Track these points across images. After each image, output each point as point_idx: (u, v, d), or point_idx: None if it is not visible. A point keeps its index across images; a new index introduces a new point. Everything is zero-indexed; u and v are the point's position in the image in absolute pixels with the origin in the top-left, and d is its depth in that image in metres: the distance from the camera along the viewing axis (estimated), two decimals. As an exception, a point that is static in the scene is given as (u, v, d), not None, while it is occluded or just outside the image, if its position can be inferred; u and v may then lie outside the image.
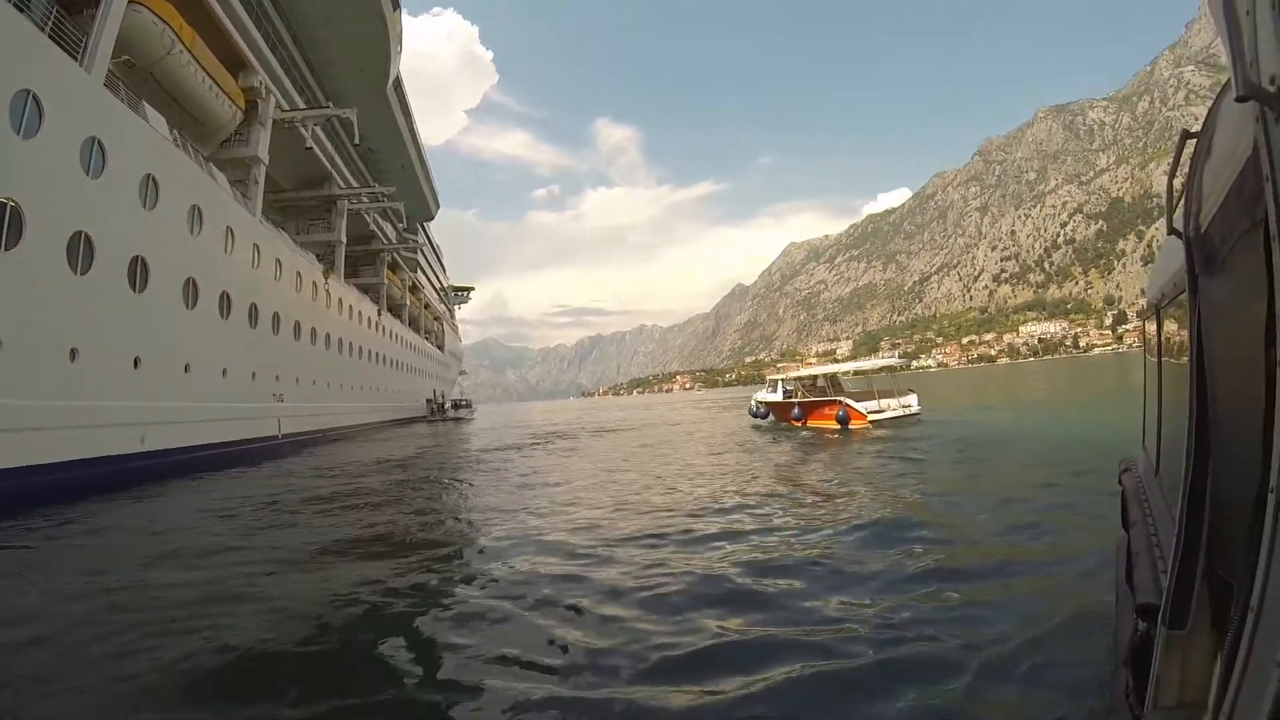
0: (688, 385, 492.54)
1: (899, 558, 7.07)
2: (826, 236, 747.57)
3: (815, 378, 28.56)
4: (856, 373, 28.62)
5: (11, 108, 14.50)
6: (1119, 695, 2.66)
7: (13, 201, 14.51)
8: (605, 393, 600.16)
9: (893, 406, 24.69)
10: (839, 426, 23.87)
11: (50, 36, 15.98)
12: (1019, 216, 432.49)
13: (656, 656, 4.76)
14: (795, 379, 29.73)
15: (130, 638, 5.60)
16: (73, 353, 16.20)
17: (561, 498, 12.63)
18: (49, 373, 15.52)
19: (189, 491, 16.10)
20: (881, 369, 28.29)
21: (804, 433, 24.45)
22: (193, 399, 21.48)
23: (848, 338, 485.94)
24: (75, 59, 16.84)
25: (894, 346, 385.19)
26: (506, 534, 9.45)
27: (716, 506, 10.53)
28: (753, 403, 31.67)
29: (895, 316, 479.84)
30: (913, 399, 25.37)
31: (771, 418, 29.48)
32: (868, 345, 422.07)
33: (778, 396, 29.44)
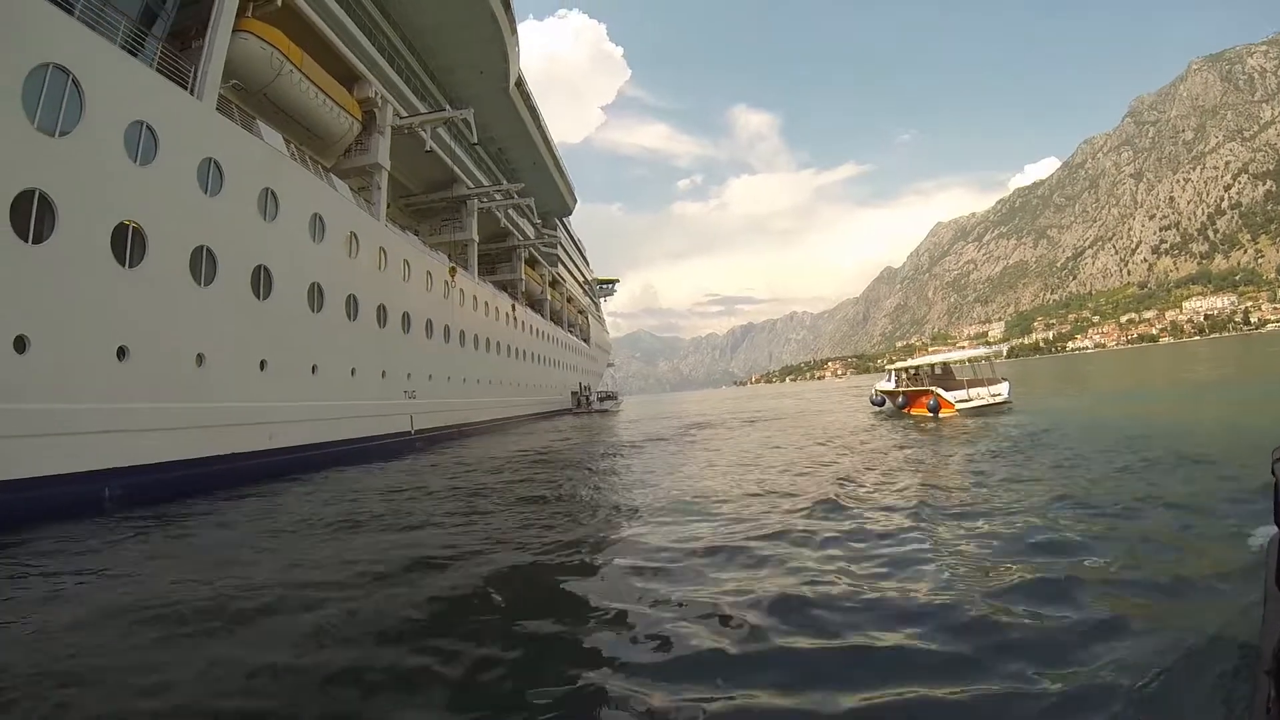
0: (839, 372, 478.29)
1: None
2: (973, 214, 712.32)
3: (932, 366, 30.10)
4: (956, 362, 30.31)
5: (127, 138, 15.74)
6: (1259, 706, 2.35)
7: (135, 223, 15.76)
8: (757, 381, 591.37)
9: (982, 396, 25.98)
10: (932, 414, 25.19)
11: (159, 70, 17.24)
12: (1177, 181, 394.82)
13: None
14: (906, 369, 31.92)
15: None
16: (199, 358, 17.44)
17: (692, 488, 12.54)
18: (175, 377, 16.75)
19: (322, 484, 17.06)
20: (980, 357, 30.10)
21: (907, 421, 25.53)
22: (321, 398, 22.66)
23: (999, 319, 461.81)
24: (186, 88, 18.09)
25: (1048, 327, 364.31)
26: (636, 531, 9.22)
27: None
28: (873, 391, 33.70)
29: (1048, 295, 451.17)
30: (1003, 388, 26.35)
31: (888, 405, 31.04)
32: (1020, 327, 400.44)
33: (891, 386, 31.51)
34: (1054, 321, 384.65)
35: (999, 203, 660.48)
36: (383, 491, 15.07)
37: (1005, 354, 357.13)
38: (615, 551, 8.11)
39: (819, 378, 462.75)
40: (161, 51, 17.78)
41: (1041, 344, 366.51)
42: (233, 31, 20.52)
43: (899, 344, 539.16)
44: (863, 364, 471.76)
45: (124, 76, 15.96)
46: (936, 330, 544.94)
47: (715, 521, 9.27)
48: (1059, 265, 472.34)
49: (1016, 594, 5.46)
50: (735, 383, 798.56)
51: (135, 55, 16.72)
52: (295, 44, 24.12)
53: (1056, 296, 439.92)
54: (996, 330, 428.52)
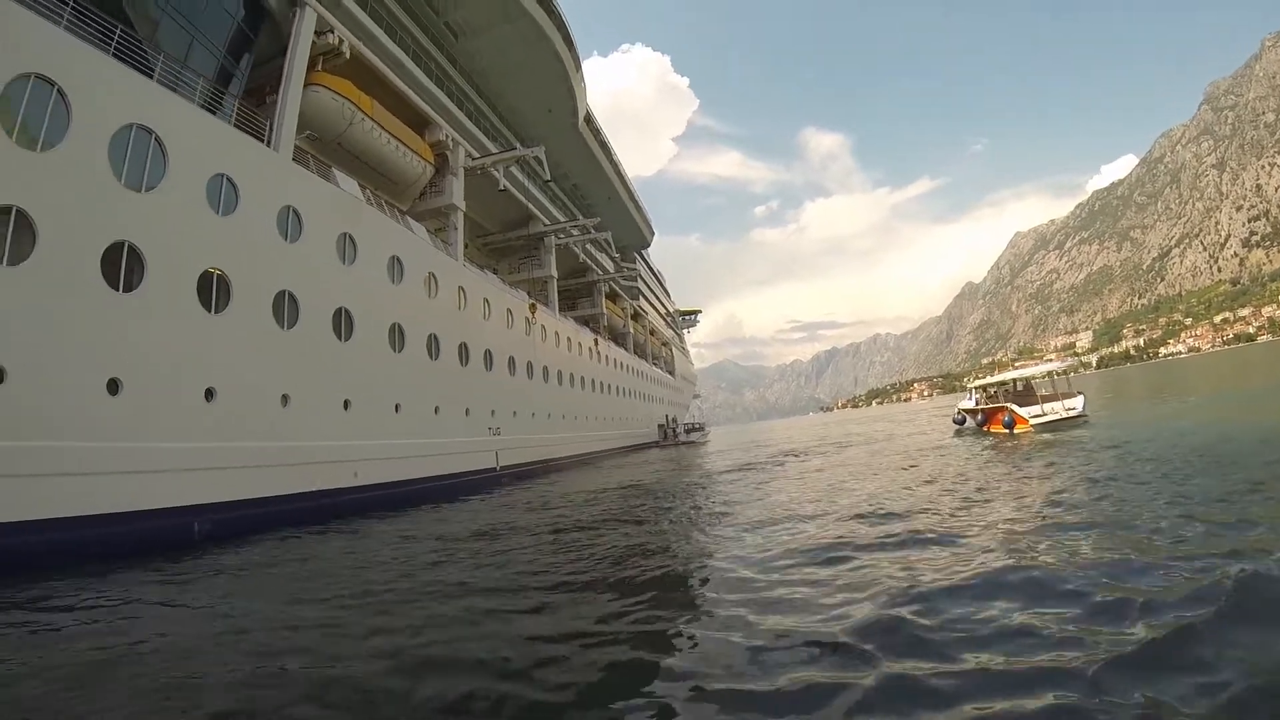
0: (926, 393, 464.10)
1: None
2: (1053, 221, 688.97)
3: (1014, 382, 30.32)
4: (1033, 378, 30.08)
5: (209, 191, 16.44)
6: None
7: (219, 270, 16.36)
8: (844, 406, 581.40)
9: (1056, 410, 25.76)
10: (1007, 430, 25.66)
11: (237, 126, 17.99)
12: (1263, 167, 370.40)
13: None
14: (984, 387, 32.26)
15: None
16: (284, 398, 17.85)
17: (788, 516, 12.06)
18: (261, 417, 17.17)
19: (407, 520, 17.26)
20: (1052, 372, 29.61)
21: (988, 438, 25.41)
22: (404, 436, 22.89)
23: (1086, 328, 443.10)
24: (263, 141, 18.87)
25: (1137, 334, 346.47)
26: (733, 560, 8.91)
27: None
28: (956, 410, 33.63)
29: (1135, 300, 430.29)
30: (1078, 401, 26.09)
31: (969, 423, 31.32)
32: (1109, 335, 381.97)
33: (972, 404, 31.54)
34: (1144, 327, 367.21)
35: (1078, 207, 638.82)
36: (471, 524, 15.24)
37: (1095, 364, 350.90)
38: (718, 582, 7.83)
39: (905, 399, 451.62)
40: (239, 108, 18.58)
41: (1132, 351, 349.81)
42: (305, 86, 21.36)
43: (984, 360, 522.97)
44: (948, 383, 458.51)
45: (204, 133, 16.70)
46: (1022, 344, 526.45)
47: (821, 547, 8.93)
48: (1145, 267, 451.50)
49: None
50: (821, 409, 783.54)
51: (214, 113, 17.50)
52: (365, 93, 24.90)
53: (1145, 300, 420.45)
54: (1084, 340, 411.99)
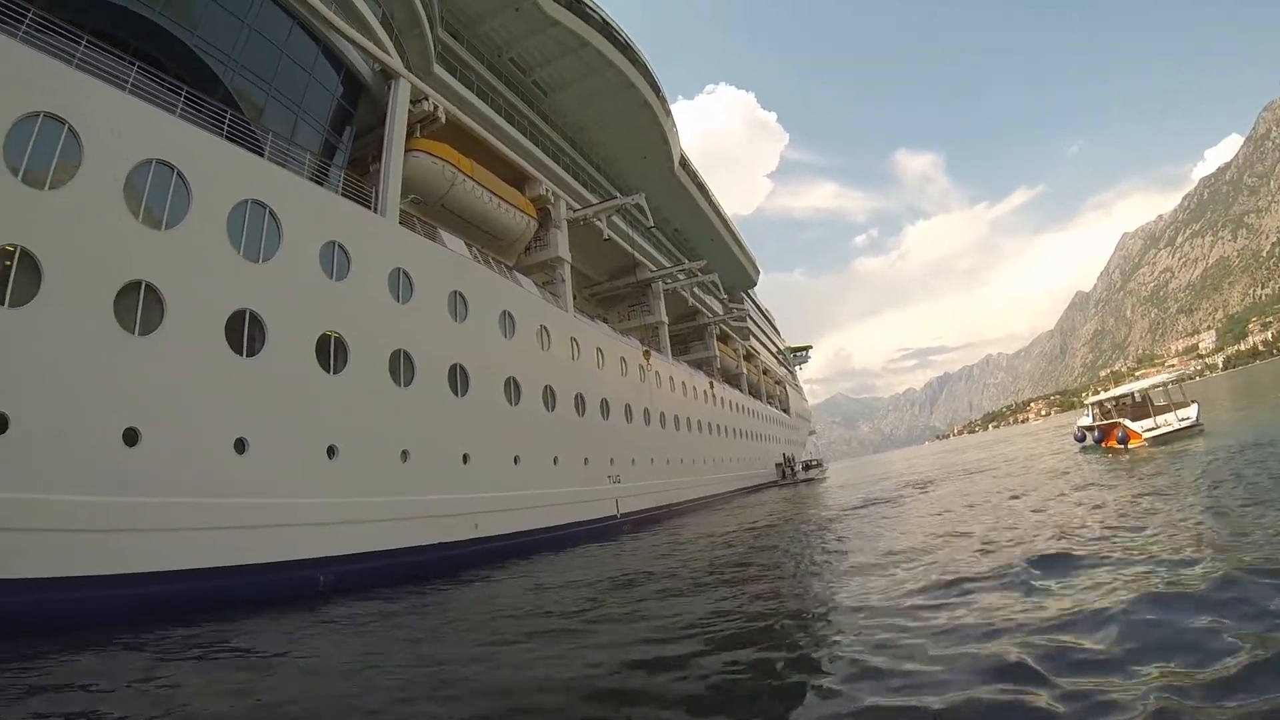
0: (1043, 412, 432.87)
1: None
2: (1160, 217, 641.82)
3: (1132, 395, 29.28)
4: (1145, 390, 29.05)
5: (321, 257, 16.88)
6: None
7: (336, 333, 16.64)
8: (959, 432, 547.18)
9: (1170, 422, 25.24)
10: (1121, 446, 25.06)
11: (344, 194, 18.62)
12: None
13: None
14: (1100, 403, 31.44)
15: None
16: (403, 454, 17.92)
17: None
18: (381, 472, 17.25)
19: (544, 567, 17.50)
20: (1168, 383, 29.22)
21: (1107, 455, 24.73)
22: (524, 487, 22.69)
23: (1208, 327, 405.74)
24: (369, 207, 19.42)
25: (1264, 327, 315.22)
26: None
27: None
28: (1075, 428, 33.39)
29: (1258, 291, 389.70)
30: (1191, 411, 25.70)
31: (1088, 439, 30.68)
32: (1233, 332, 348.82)
33: (1090, 421, 30.95)
34: (1270, 319, 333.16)
35: (1185, 199, 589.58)
36: (602, 572, 15.39)
37: (1221, 365, 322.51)
38: (878, 610, 7.66)
39: (1022, 420, 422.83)
40: (344, 178, 19.20)
41: (1260, 347, 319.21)
42: (405, 152, 21.92)
43: (1101, 373, 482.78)
44: (1066, 400, 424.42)
45: (314, 204, 17.33)
46: (1140, 351, 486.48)
47: (968, 578, 8.55)
48: (1265, 254, 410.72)
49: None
50: (937, 436, 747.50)
51: (321, 184, 18.08)
52: (464, 155, 25.33)
53: (1268, 290, 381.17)
54: (1207, 340, 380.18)
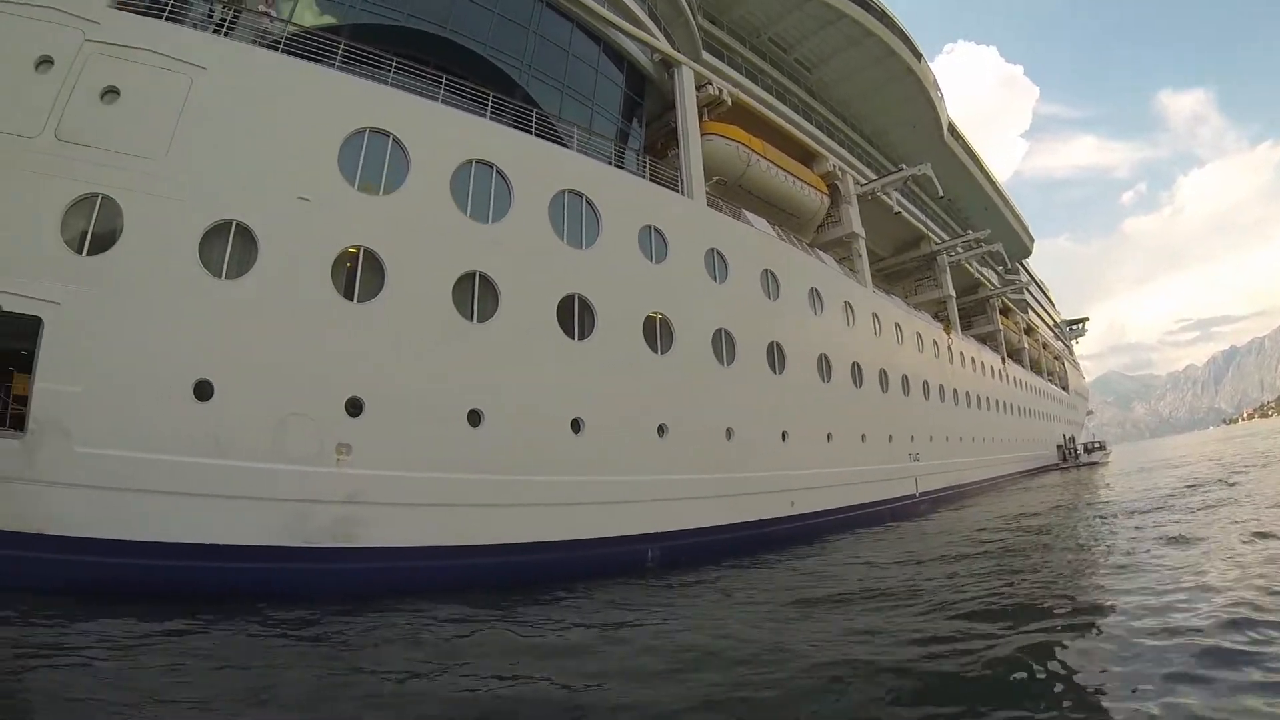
0: None
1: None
2: None
3: None
4: None
5: (640, 241, 17.07)
6: None
7: (660, 314, 16.83)
8: (1250, 416, 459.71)
9: None
10: None
11: (651, 179, 18.84)
12: None
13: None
14: None
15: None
16: (728, 432, 17.72)
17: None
18: (708, 450, 17.23)
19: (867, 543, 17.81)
20: None
21: None
22: (835, 464, 21.88)
23: None
24: (678, 190, 19.47)
25: None
26: None
27: None
28: None
29: None
30: None
31: None
32: None
33: None
34: None
35: None
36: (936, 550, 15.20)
37: None
38: None
39: None
40: (648, 163, 19.49)
41: None
42: (700, 135, 21.70)
43: None
44: None
45: (627, 190, 17.68)
46: None
47: None
48: None
49: None
50: (1224, 421, 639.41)
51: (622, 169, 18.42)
52: (754, 136, 24.87)
53: None
54: None
